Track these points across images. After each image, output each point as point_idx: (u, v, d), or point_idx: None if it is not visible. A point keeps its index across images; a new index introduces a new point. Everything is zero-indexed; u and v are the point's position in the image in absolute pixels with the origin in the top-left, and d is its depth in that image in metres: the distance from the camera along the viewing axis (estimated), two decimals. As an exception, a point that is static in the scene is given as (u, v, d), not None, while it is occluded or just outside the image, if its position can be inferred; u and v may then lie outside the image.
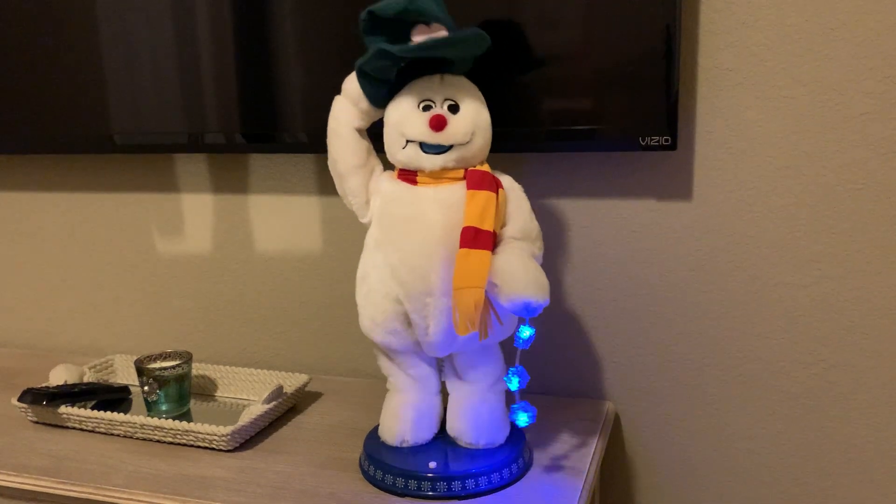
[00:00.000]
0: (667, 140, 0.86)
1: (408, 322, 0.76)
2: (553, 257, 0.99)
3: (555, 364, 1.02)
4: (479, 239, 0.71)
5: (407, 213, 0.76)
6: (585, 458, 0.84)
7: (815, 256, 0.90)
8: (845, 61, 0.85)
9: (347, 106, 0.80)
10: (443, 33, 0.73)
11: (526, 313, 0.70)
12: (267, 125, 1.00)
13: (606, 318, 0.99)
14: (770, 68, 0.88)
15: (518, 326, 0.73)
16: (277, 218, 1.11)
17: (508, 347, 0.83)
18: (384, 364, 0.83)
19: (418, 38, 0.74)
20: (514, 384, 0.74)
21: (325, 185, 1.07)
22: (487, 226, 0.72)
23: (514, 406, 0.76)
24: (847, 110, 0.86)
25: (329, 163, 0.82)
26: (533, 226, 0.78)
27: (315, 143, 0.96)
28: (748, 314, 0.94)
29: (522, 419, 0.75)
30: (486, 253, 0.71)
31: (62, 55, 1.07)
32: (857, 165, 0.87)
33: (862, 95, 0.85)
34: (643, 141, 0.87)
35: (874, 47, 0.84)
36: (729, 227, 0.93)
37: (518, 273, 0.71)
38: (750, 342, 0.95)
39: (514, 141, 0.90)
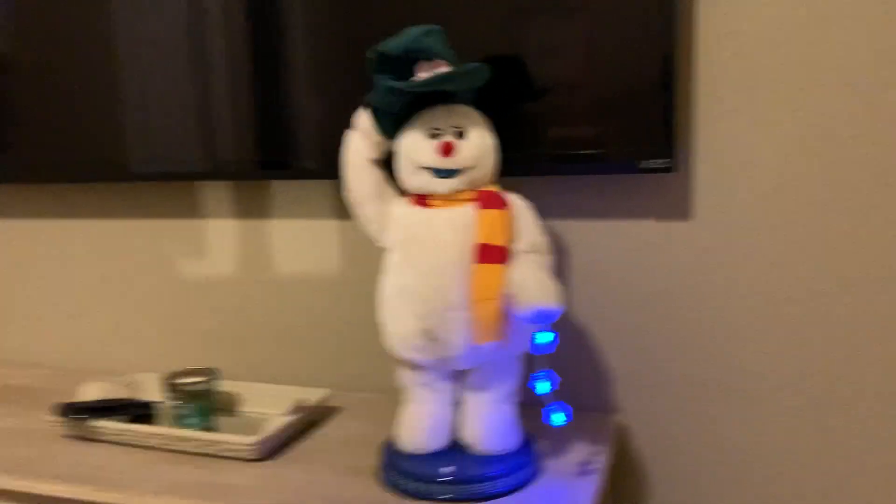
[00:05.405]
0: (665, 163, 0.89)
1: (430, 337, 0.79)
2: (555, 276, 1.01)
3: (559, 378, 1.03)
4: (492, 253, 0.75)
5: (422, 234, 0.80)
6: (595, 466, 0.86)
7: (810, 273, 0.92)
8: (836, 89, 0.88)
9: (360, 139, 0.85)
10: (444, 68, 0.78)
11: (542, 321, 0.73)
12: (282, 153, 1.03)
13: (608, 335, 1.01)
14: (764, 95, 0.90)
15: (535, 334, 0.77)
16: (296, 242, 1.14)
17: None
18: (405, 376, 0.85)
19: (422, 73, 0.79)
20: (544, 387, 0.77)
21: (343, 209, 1.10)
22: (499, 241, 0.76)
23: (547, 408, 0.78)
24: (838, 135, 0.89)
25: (346, 193, 0.86)
26: (542, 239, 0.81)
27: (327, 169, 0.98)
28: (747, 330, 0.95)
29: (558, 418, 0.78)
30: (500, 266, 0.75)
31: (82, 87, 1.10)
32: (849, 186, 0.89)
33: (851, 121, 0.88)
34: (643, 164, 0.89)
35: (863, 76, 0.87)
36: (726, 246, 0.94)
37: (532, 283, 0.74)
38: (749, 358, 0.96)
39: (518, 165, 0.92)
